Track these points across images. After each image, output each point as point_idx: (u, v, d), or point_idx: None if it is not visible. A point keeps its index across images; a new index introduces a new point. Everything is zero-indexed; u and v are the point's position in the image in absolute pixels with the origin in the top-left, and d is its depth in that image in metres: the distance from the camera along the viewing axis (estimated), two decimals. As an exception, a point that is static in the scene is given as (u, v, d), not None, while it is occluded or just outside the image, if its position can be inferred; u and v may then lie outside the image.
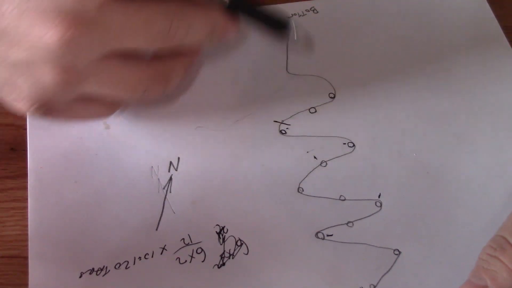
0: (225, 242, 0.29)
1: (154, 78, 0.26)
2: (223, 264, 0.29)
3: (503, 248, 0.26)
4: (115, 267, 0.28)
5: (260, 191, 0.31)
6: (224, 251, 0.29)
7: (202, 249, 0.29)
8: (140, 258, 0.29)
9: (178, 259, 0.29)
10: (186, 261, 0.29)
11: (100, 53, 0.23)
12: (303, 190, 0.31)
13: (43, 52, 0.21)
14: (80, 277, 0.28)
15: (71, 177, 0.30)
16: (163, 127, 0.32)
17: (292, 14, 0.38)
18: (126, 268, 0.28)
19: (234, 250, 0.29)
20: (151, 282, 0.28)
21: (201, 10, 0.25)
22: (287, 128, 0.33)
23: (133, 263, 0.28)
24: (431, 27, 0.38)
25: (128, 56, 0.24)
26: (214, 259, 0.29)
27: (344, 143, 0.33)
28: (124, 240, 0.29)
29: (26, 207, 0.30)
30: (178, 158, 0.31)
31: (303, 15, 0.38)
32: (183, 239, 0.29)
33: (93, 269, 0.28)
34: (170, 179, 0.31)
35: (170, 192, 0.30)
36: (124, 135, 0.32)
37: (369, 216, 0.30)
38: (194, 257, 0.29)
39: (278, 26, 0.30)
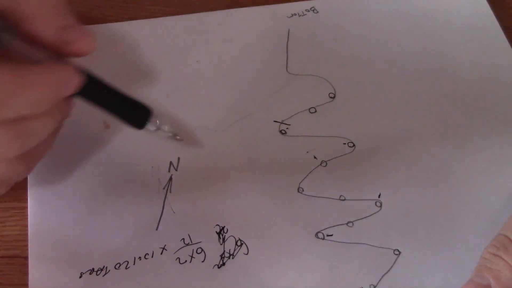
0: (225, 242, 0.29)
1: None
2: (223, 264, 0.29)
3: (506, 247, 0.26)
4: (115, 267, 0.28)
5: (260, 191, 0.31)
6: (224, 251, 0.29)
7: (202, 249, 0.29)
8: (140, 258, 0.29)
9: (178, 259, 0.29)
10: (186, 261, 0.29)
11: None
12: (303, 190, 0.31)
13: None
14: (80, 277, 0.28)
15: (71, 177, 0.30)
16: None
17: (292, 14, 0.38)
18: (126, 268, 0.28)
19: (234, 250, 0.29)
20: (151, 282, 0.28)
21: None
22: (287, 128, 0.33)
23: (133, 263, 0.28)
24: (431, 26, 0.38)
25: None
26: (214, 259, 0.29)
27: (344, 143, 0.33)
28: (124, 240, 0.29)
29: (26, 207, 0.30)
30: (178, 158, 0.31)
31: (303, 15, 0.38)
32: (183, 239, 0.29)
33: (93, 269, 0.28)
34: (170, 179, 0.31)
35: (170, 192, 0.30)
36: (124, 135, 0.32)
37: (369, 216, 0.30)
38: (194, 257, 0.29)
39: (136, 115, 0.27)
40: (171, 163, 0.31)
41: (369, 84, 0.35)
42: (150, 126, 0.28)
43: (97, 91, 0.26)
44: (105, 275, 0.28)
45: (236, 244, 0.29)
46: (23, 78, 0.21)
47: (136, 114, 0.27)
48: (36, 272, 0.28)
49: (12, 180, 0.27)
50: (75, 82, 0.24)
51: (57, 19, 0.23)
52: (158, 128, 0.29)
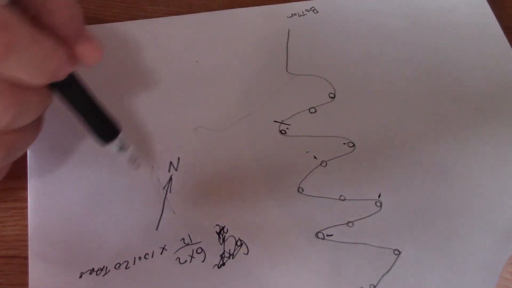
0: (225, 242, 0.29)
1: None
2: (223, 264, 0.29)
3: None
4: (115, 267, 0.28)
5: (260, 191, 0.31)
6: (224, 251, 0.29)
7: (202, 249, 0.29)
8: (140, 258, 0.29)
9: (178, 259, 0.29)
10: (186, 261, 0.29)
11: None
12: (303, 190, 0.31)
13: None
14: (80, 277, 0.28)
15: (71, 176, 0.30)
16: (163, 127, 0.32)
17: (292, 14, 0.38)
18: (126, 268, 0.28)
19: (234, 250, 0.29)
20: (151, 282, 0.28)
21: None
22: (287, 128, 0.33)
23: (133, 263, 0.28)
24: (431, 27, 0.38)
25: None
26: (214, 259, 0.29)
27: (344, 143, 0.33)
28: (124, 240, 0.29)
29: (26, 207, 0.30)
30: (178, 158, 0.31)
31: (303, 15, 0.38)
32: (183, 239, 0.29)
33: (93, 269, 0.28)
34: (170, 179, 0.31)
35: (170, 192, 0.30)
36: (124, 135, 0.32)
37: (369, 216, 0.30)
38: (194, 257, 0.29)
39: (105, 130, 0.26)
40: (171, 163, 0.31)
41: (369, 84, 0.35)
42: (113, 146, 0.27)
43: (77, 91, 0.25)
44: (105, 275, 0.28)
45: (236, 244, 0.29)
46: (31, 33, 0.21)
47: (103, 129, 0.27)
48: (36, 272, 0.28)
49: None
50: (69, 65, 0.23)
51: (72, 22, 0.23)
52: (121, 150, 0.28)
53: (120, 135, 0.27)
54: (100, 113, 0.26)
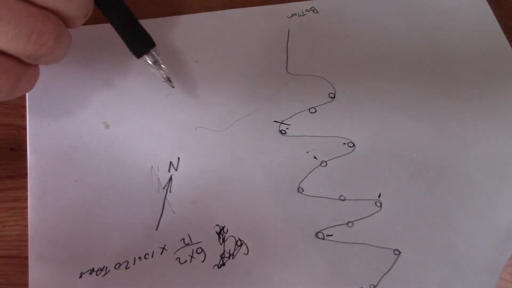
0: (225, 242, 0.29)
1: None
2: (223, 264, 0.29)
3: None
4: (115, 267, 0.28)
5: (260, 191, 0.31)
6: (224, 251, 0.29)
7: (202, 249, 0.29)
8: (140, 258, 0.29)
9: (178, 259, 0.29)
10: (186, 261, 0.29)
11: None
12: (303, 190, 0.31)
13: None
14: (80, 277, 0.28)
15: (71, 176, 0.30)
16: (163, 127, 0.32)
17: (292, 14, 0.38)
18: (126, 268, 0.28)
19: (234, 250, 0.29)
20: (151, 282, 0.28)
21: None
22: (287, 128, 0.33)
23: (133, 263, 0.28)
24: (431, 27, 0.38)
25: None
26: (214, 259, 0.29)
27: (344, 143, 0.33)
28: (124, 240, 0.29)
29: (26, 207, 0.30)
30: (178, 158, 0.31)
31: (303, 15, 0.38)
32: (183, 239, 0.29)
33: (93, 269, 0.28)
34: (170, 179, 0.31)
35: (170, 192, 0.30)
36: (124, 135, 0.32)
37: (369, 216, 0.30)
38: (194, 257, 0.29)
39: (138, 42, 0.30)
40: (171, 163, 0.31)
41: (369, 84, 0.35)
42: (148, 58, 0.30)
43: (115, 3, 0.28)
44: (105, 275, 0.28)
45: (236, 244, 0.29)
46: None
47: (139, 41, 0.30)
48: (36, 272, 0.28)
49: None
50: None
51: None
52: (155, 63, 0.31)
53: (154, 51, 0.30)
54: (137, 27, 0.29)
